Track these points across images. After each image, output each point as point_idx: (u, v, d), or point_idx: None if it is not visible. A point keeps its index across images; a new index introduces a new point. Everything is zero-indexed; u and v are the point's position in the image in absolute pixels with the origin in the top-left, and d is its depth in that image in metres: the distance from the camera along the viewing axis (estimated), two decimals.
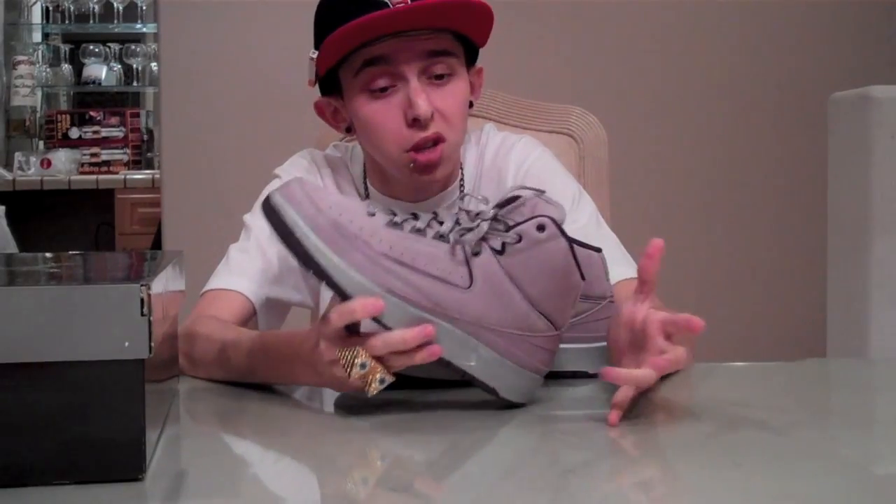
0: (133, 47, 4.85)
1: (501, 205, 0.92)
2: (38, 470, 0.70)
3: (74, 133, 4.67)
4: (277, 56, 2.48)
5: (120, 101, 5.02)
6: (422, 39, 1.18)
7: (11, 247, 3.08)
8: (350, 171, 1.34)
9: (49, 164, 4.33)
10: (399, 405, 0.94)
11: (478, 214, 0.90)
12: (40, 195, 4.26)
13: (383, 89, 1.19)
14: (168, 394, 0.92)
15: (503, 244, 0.88)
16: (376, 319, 0.88)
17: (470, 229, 0.89)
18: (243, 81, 2.56)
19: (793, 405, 1.03)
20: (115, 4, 4.71)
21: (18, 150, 4.55)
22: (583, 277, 0.92)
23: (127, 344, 0.70)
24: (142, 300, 0.70)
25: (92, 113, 4.73)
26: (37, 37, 4.97)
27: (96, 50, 4.87)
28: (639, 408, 0.95)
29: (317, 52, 1.20)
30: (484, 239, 0.89)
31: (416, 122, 1.18)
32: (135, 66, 4.88)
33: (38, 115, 4.78)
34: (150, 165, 4.63)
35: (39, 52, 4.84)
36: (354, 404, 0.96)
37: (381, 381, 0.89)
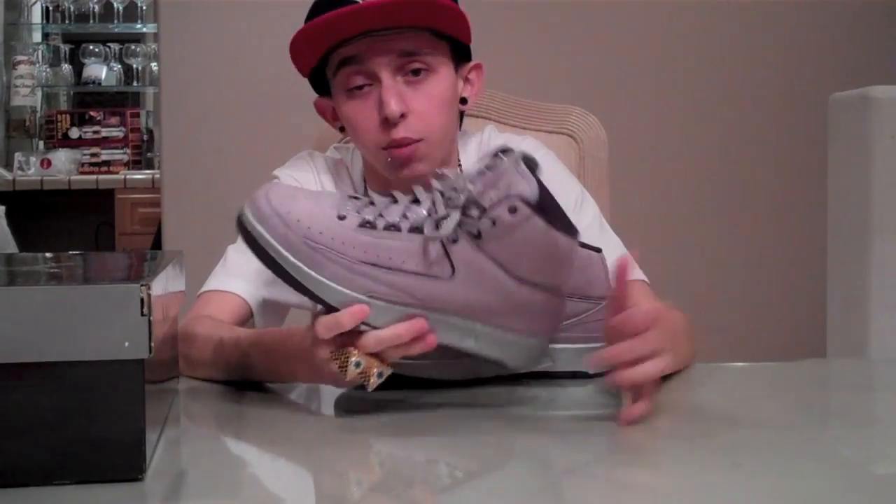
0: (133, 47, 4.85)
1: (482, 171, 0.89)
2: (38, 470, 0.70)
3: (74, 133, 4.67)
4: (277, 56, 2.46)
5: (120, 101, 5.02)
6: (394, 38, 1.19)
7: (11, 247, 3.08)
8: (350, 172, 1.34)
9: (49, 164, 4.33)
10: (398, 406, 0.94)
11: (450, 199, 0.88)
12: (40, 195, 4.26)
13: (360, 87, 1.21)
14: (168, 394, 0.92)
15: (479, 230, 0.87)
16: (366, 324, 0.87)
17: (441, 219, 0.87)
18: (243, 81, 2.56)
19: (793, 405, 1.03)
20: (115, 4, 4.71)
21: (18, 150, 4.55)
22: (573, 234, 0.90)
23: (127, 344, 0.70)
24: (142, 300, 0.70)
25: (92, 113, 4.73)
26: (37, 37, 4.97)
27: (96, 50, 4.87)
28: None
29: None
30: (459, 225, 0.87)
31: (387, 121, 1.19)
32: (135, 66, 4.88)
33: (38, 115, 4.78)
34: (150, 165, 4.63)
35: (39, 52, 4.84)
36: (354, 405, 0.96)
37: (380, 374, 0.89)
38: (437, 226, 0.87)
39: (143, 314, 0.70)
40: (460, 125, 1.33)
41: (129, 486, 0.71)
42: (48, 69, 4.86)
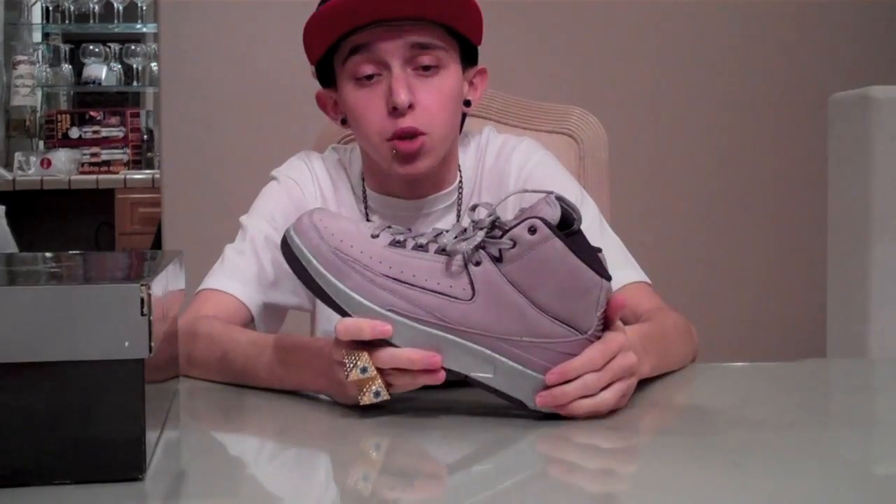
0: (133, 47, 4.85)
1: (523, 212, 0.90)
2: (38, 470, 0.70)
3: (74, 133, 4.67)
4: (277, 56, 2.48)
5: (120, 101, 5.02)
6: (407, 30, 1.20)
7: (11, 247, 3.08)
8: (348, 172, 1.34)
9: (49, 164, 4.33)
10: (398, 405, 0.94)
11: (477, 223, 0.89)
12: (40, 195, 4.26)
13: (369, 77, 1.21)
14: (168, 394, 0.92)
15: (500, 251, 0.87)
16: (384, 339, 0.88)
17: (465, 239, 0.88)
18: (243, 81, 2.56)
19: (793, 405, 1.03)
20: (115, 4, 4.72)
21: (18, 150, 4.55)
22: (604, 276, 0.89)
23: (127, 344, 0.70)
24: (142, 300, 0.70)
25: (92, 113, 4.73)
26: (37, 37, 4.97)
27: (96, 50, 4.87)
28: (639, 408, 0.95)
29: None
30: (482, 247, 0.88)
31: (395, 111, 1.19)
32: (135, 66, 4.88)
33: (38, 114, 4.78)
34: (150, 165, 4.63)
35: (39, 52, 4.85)
36: (352, 402, 0.96)
37: (377, 393, 0.89)
38: (461, 243, 0.88)
39: (143, 314, 0.70)
40: (461, 128, 1.33)
41: (129, 486, 0.71)
42: (48, 69, 4.87)
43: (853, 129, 1.78)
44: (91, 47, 4.87)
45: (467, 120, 1.35)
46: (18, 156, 4.41)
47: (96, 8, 4.74)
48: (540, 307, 0.87)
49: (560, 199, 0.89)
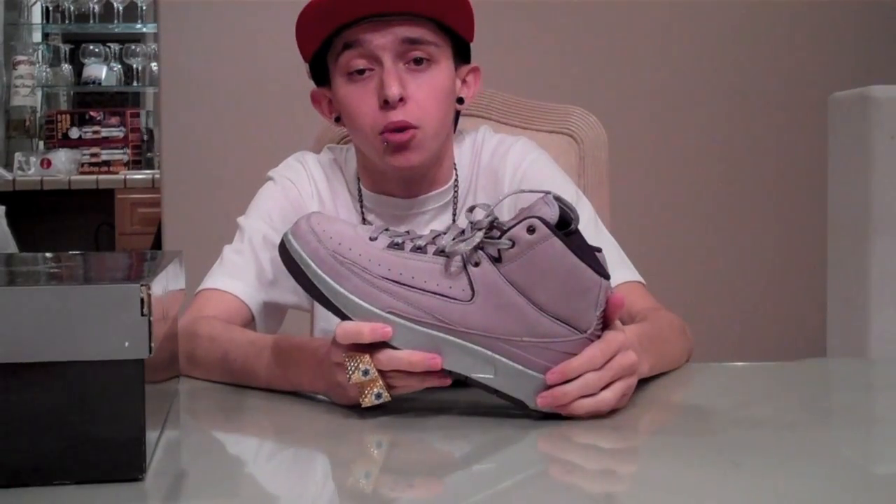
0: (133, 47, 4.85)
1: (520, 212, 0.90)
2: (38, 470, 0.70)
3: (74, 133, 4.67)
4: (277, 56, 2.48)
5: (120, 101, 5.02)
6: (398, 24, 1.21)
7: (11, 247, 3.09)
8: (343, 172, 1.35)
9: (49, 164, 4.33)
10: (400, 405, 0.94)
11: (475, 224, 0.89)
12: (40, 195, 4.26)
13: (360, 72, 1.22)
14: (168, 394, 0.92)
15: (499, 251, 0.87)
16: (384, 342, 0.88)
17: (464, 240, 0.88)
18: (243, 81, 2.56)
19: (793, 405, 1.03)
20: (115, 4, 4.72)
21: (18, 150, 4.55)
22: (603, 275, 0.89)
23: (127, 344, 0.70)
24: (142, 300, 0.70)
25: (92, 113, 4.73)
26: (37, 37, 4.97)
27: (96, 50, 4.87)
28: (639, 408, 0.95)
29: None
30: (481, 248, 0.88)
31: (386, 105, 1.20)
32: (135, 66, 4.88)
33: (38, 115, 4.78)
34: (150, 165, 4.63)
35: (39, 52, 4.85)
36: (352, 404, 0.96)
37: (378, 395, 0.89)
38: (460, 244, 0.88)
39: (143, 314, 0.70)
40: (455, 125, 1.34)
41: (129, 486, 0.71)
42: (48, 69, 4.87)
43: (853, 129, 1.78)
44: (91, 47, 4.87)
45: (466, 119, 1.35)
46: (18, 156, 4.41)
47: (96, 8, 4.74)
48: (540, 307, 0.87)
49: (558, 198, 0.89)
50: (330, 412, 0.94)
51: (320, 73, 1.29)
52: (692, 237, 2.70)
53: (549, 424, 0.89)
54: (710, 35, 2.70)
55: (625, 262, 1.28)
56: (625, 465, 0.85)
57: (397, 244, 0.90)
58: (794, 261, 2.71)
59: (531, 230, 0.86)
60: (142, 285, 0.70)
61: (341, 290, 0.89)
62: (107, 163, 4.64)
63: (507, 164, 1.31)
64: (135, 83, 4.95)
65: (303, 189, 1.32)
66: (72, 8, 4.82)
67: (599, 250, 0.93)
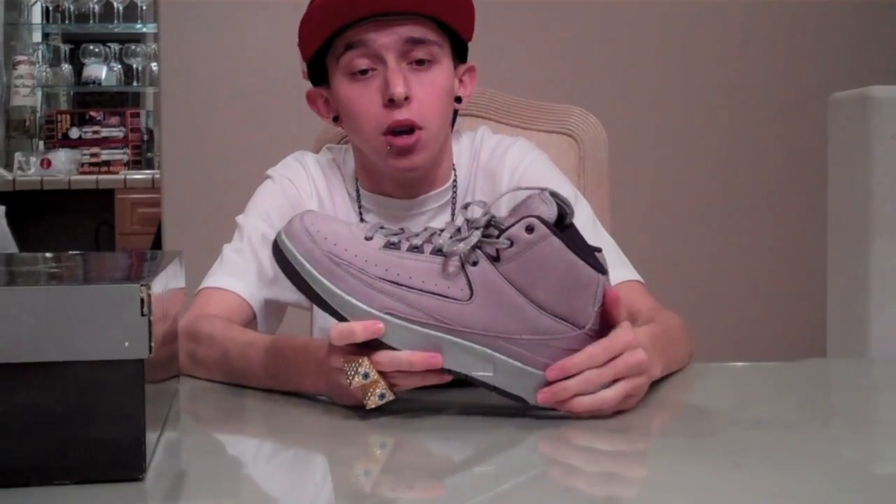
0: (133, 47, 4.85)
1: (515, 207, 0.90)
2: (38, 470, 0.70)
3: (74, 133, 4.67)
4: (277, 56, 2.48)
5: (120, 101, 5.02)
6: (402, 24, 1.21)
7: (11, 247, 3.09)
8: (342, 172, 1.35)
9: (49, 164, 4.33)
10: (398, 405, 0.94)
11: (472, 222, 0.89)
12: (40, 195, 4.26)
13: (363, 72, 1.22)
14: (168, 394, 0.92)
15: (497, 251, 0.87)
16: (381, 342, 0.88)
17: (462, 239, 0.88)
18: (243, 81, 2.56)
19: (793, 405, 1.03)
20: (115, 4, 4.71)
21: (18, 150, 4.55)
22: (601, 270, 0.89)
23: (127, 344, 0.70)
24: (142, 300, 0.70)
25: (92, 113, 4.73)
26: (37, 37, 4.97)
27: (96, 50, 4.87)
28: (638, 408, 0.95)
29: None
30: (479, 247, 0.87)
31: (391, 103, 1.20)
32: (135, 66, 4.88)
33: (38, 115, 4.78)
34: (150, 165, 4.63)
35: (39, 52, 4.84)
36: (356, 404, 0.96)
37: (382, 395, 0.89)
38: (458, 244, 0.87)
39: (143, 314, 0.70)
40: (453, 124, 1.34)
41: (129, 486, 0.71)
42: (48, 69, 4.86)
43: (853, 129, 1.78)
44: (91, 47, 4.86)
45: (466, 121, 1.35)
46: (18, 156, 4.41)
47: (96, 8, 4.74)
48: (539, 305, 0.87)
49: (554, 194, 0.89)
50: (330, 412, 0.94)
51: (318, 72, 1.28)
52: (692, 237, 2.70)
53: (550, 426, 0.89)
54: (710, 35, 2.70)
55: (623, 261, 1.28)
56: (625, 465, 0.85)
57: (393, 244, 0.90)
58: (794, 261, 2.70)
59: (530, 229, 0.86)
60: (142, 285, 0.70)
61: (338, 291, 0.89)
62: (107, 163, 4.63)
63: (505, 165, 1.32)
64: (135, 83, 4.94)
65: (301, 188, 1.32)
66: (72, 8, 4.81)
67: (599, 250, 0.93)
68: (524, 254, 0.86)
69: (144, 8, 4.81)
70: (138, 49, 4.85)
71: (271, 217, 1.28)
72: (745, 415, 0.96)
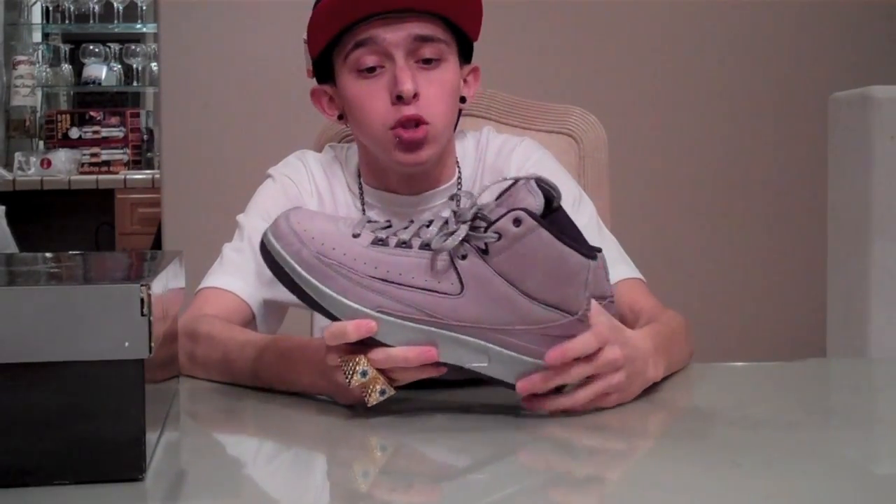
0: (133, 47, 4.85)
1: (500, 195, 0.90)
2: (38, 470, 0.70)
3: (74, 133, 4.67)
4: (277, 56, 2.48)
5: (120, 101, 5.02)
6: (410, 22, 1.21)
7: (11, 247, 3.08)
8: (344, 170, 1.35)
9: (49, 164, 4.33)
10: (398, 405, 0.94)
11: (459, 215, 0.89)
12: (40, 195, 4.26)
13: (371, 69, 1.22)
14: (168, 394, 0.92)
15: (486, 244, 0.87)
16: (376, 339, 0.88)
17: (450, 234, 0.88)
18: (243, 81, 2.56)
19: (793, 405, 1.03)
20: (115, 4, 4.71)
21: (18, 150, 4.55)
22: (590, 256, 0.89)
23: (127, 344, 0.70)
24: (142, 300, 0.70)
25: (92, 113, 4.73)
26: (37, 37, 4.97)
27: (96, 50, 4.87)
28: (638, 408, 0.95)
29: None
30: (467, 240, 0.87)
31: (399, 100, 1.20)
32: (135, 66, 4.88)
33: (38, 115, 4.77)
34: (150, 165, 4.63)
35: (39, 52, 4.84)
36: (356, 404, 0.96)
37: (382, 392, 0.89)
38: (449, 236, 0.87)
39: (143, 314, 0.70)
40: (456, 125, 1.34)
41: (129, 486, 0.71)
42: (48, 69, 4.86)
43: (853, 129, 1.78)
44: (91, 47, 4.86)
45: (467, 121, 1.36)
46: (18, 156, 4.41)
47: (96, 8, 4.74)
48: (529, 295, 0.87)
49: (540, 180, 0.89)
50: (329, 413, 0.94)
51: (323, 70, 1.29)
52: (692, 237, 2.70)
53: (550, 426, 0.89)
54: (710, 35, 2.70)
55: (625, 259, 1.28)
56: (625, 465, 0.85)
57: (381, 240, 0.89)
58: (794, 261, 2.70)
59: (517, 222, 0.86)
60: (142, 285, 0.70)
61: (328, 291, 0.88)
62: (107, 163, 4.63)
63: (511, 164, 1.32)
64: (135, 83, 4.94)
65: (302, 187, 1.32)
66: (72, 8, 4.81)
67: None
68: (513, 246, 0.86)
69: (144, 8, 4.81)
70: (138, 49, 4.85)
71: (271, 216, 1.27)
72: (745, 415, 0.96)
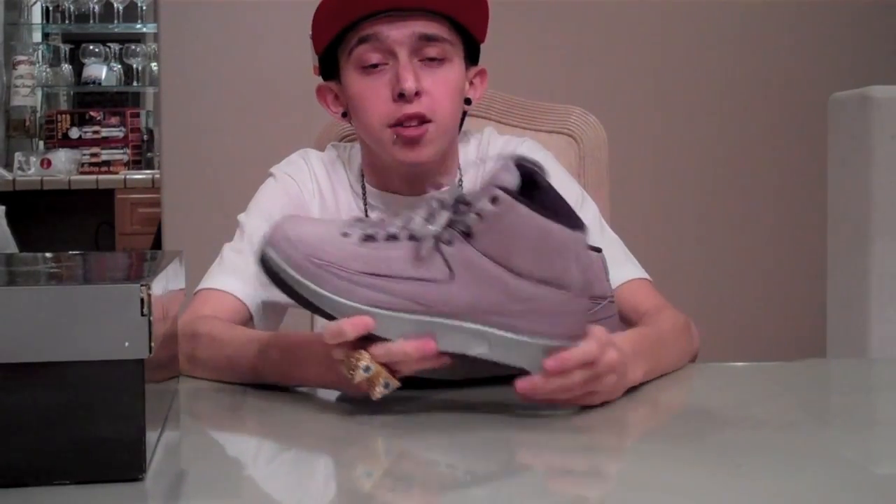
0: (133, 47, 4.85)
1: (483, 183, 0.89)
2: (38, 470, 0.70)
3: (74, 133, 4.67)
4: (277, 56, 2.48)
5: (120, 101, 5.02)
6: (415, 20, 1.21)
7: (11, 247, 3.08)
8: (346, 170, 1.34)
9: (49, 164, 4.33)
10: (398, 406, 0.94)
11: (441, 203, 0.89)
12: (40, 195, 4.26)
13: (374, 66, 1.22)
14: (168, 394, 0.92)
15: (468, 226, 0.87)
16: (375, 335, 0.88)
17: (432, 220, 0.88)
18: (243, 81, 2.56)
19: (793, 405, 1.03)
20: (115, 4, 4.71)
21: (18, 150, 4.55)
22: (577, 228, 0.88)
23: (127, 344, 0.70)
24: (142, 300, 0.70)
25: (92, 113, 4.73)
26: (37, 37, 4.97)
27: (96, 50, 4.87)
28: (638, 408, 0.95)
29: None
30: (451, 226, 0.87)
31: (401, 97, 1.20)
32: (135, 66, 4.88)
33: (38, 115, 4.77)
34: (150, 165, 4.63)
35: (39, 52, 4.84)
36: (354, 405, 0.96)
37: (386, 385, 0.89)
38: (429, 227, 0.87)
39: (143, 314, 0.70)
40: (461, 125, 1.34)
41: (129, 486, 0.71)
42: (48, 69, 4.86)
43: (853, 129, 1.78)
44: (91, 47, 4.86)
45: (467, 121, 1.35)
46: (18, 156, 4.41)
47: (96, 8, 4.74)
48: (518, 273, 0.87)
49: (521, 159, 0.89)
50: (330, 413, 0.94)
51: (329, 67, 1.29)
52: (692, 237, 2.70)
53: (550, 425, 0.89)
54: (710, 35, 2.70)
55: (630, 259, 1.28)
56: (624, 465, 0.85)
57: (371, 236, 0.90)
58: (793, 261, 2.71)
59: (494, 200, 0.86)
60: (142, 285, 0.70)
61: (322, 291, 0.89)
62: (107, 163, 4.63)
63: None
64: (135, 83, 4.94)
65: (304, 186, 1.32)
66: (72, 8, 4.81)
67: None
68: (494, 226, 0.86)
69: (144, 8, 4.81)
70: (138, 49, 4.85)
71: (273, 216, 1.27)
72: (745, 415, 0.96)
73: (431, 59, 1.23)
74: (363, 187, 1.33)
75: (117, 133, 4.69)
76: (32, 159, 4.37)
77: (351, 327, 0.88)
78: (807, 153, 2.64)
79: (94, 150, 4.63)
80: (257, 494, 0.76)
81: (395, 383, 0.90)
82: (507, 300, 0.87)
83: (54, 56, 4.91)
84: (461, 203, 0.88)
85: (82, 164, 4.55)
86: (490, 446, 0.85)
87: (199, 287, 1.25)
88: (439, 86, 1.23)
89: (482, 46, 1.31)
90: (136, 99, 5.12)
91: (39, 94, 4.83)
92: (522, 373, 0.89)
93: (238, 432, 0.97)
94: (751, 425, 0.92)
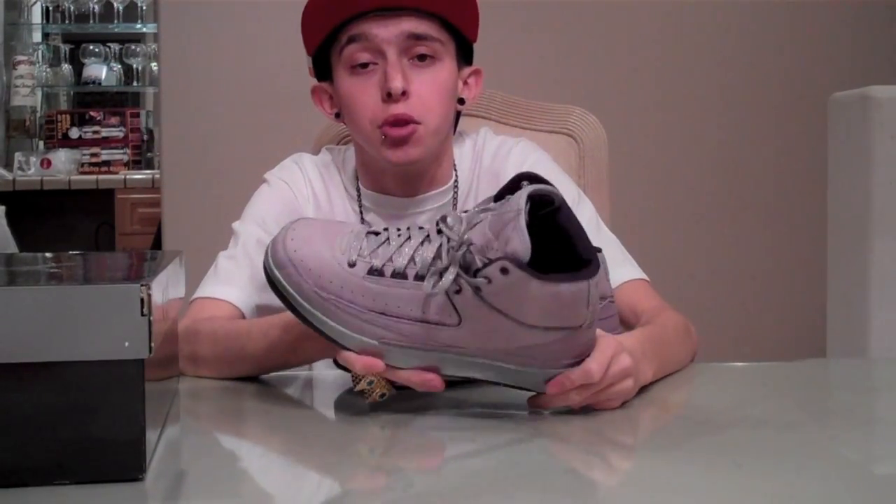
0: (133, 47, 4.85)
1: (485, 210, 0.88)
2: (38, 470, 0.70)
3: (74, 133, 4.67)
4: (277, 56, 2.48)
5: (120, 101, 5.02)
6: (404, 20, 1.21)
7: (11, 247, 3.08)
8: (341, 172, 1.34)
9: (49, 164, 4.33)
10: (397, 405, 0.94)
11: (451, 248, 0.86)
12: (40, 195, 4.26)
13: (364, 66, 1.23)
14: (168, 394, 0.92)
15: (478, 287, 0.85)
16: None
17: (441, 272, 0.86)
18: (243, 81, 2.56)
19: (793, 405, 1.03)
20: (115, 4, 4.71)
21: (18, 150, 4.55)
22: (589, 276, 0.86)
23: (127, 344, 0.70)
24: (142, 300, 0.70)
25: (92, 113, 4.73)
26: (37, 37, 4.97)
27: (96, 50, 4.87)
28: (638, 407, 0.95)
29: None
30: (460, 275, 0.86)
31: (389, 97, 1.21)
32: (135, 66, 4.88)
33: (38, 115, 4.78)
34: (150, 165, 4.63)
35: (39, 52, 4.84)
36: (353, 405, 0.97)
37: (382, 395, 0.92)
38: (440, 276, 0.86)
39: (143, 314, 0.70)
40: (455, 126, 1.34)
41: (129, 486, 0.71)
42: (48, 69, 4.86)
43: (853, 129, 1.78)
44: (91, 47, 4.87)
45: (466, 120, 1.35)
46: (18, 156, 4.41)
47: (96, 8, 4.74)
48: (528, 324, 0.86)
49: (533, 179, 0.88)
50: (330, 413, 0.94)
51: (322, 67, 1.29)
52: (692, 237, 2.70)
53: (551, 425, 0.89)
54: (710, 35, 2.70)
55: (628, 260, 1.28)
56: (624, 465, 0.85)
57: (377, 270, 0.89)
58: (794, 261, 2.70)
59: (504, 271, 0.84)
60: (142, 285, 0.70)
61: (330, 322, 0.89)
62: (107, 163, 4.64)
63: (508, 166, 1.32)
64: (135, 83, 4.95)
65: (298, 191, 1.32)
66: (72, 8, 4.82)
67: (599, 250, 0.93)
68: (504, 292, 0.85)
69: (144, 8, 4.81)
70: (138, 49, 4.85)
71: (266, 222, 1.28)
72: (745, 415, 0.96)
73: (422, 59, 1.22)
74: (357, 190, 1.32)
75: (117, 133, 4.69)
76: (32, 159, 4.37)
77: (361, 366, 0.89)
78: (807, 153, 2.64)
79: (94, 150, 4.64)
80: (257, 494, 0.76)
81: (391, 393, 0.92)
82: (516, 343, 0.87)
83: (54, 56, 4.92)
84: (470, 251, 0.85)
85: (82, 164, 4.56)
86: (489, 445, 0.85)
87: (195, 296, 1.25)
88: (429, 86, 1.22)
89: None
90: (136, 99, 5.12)
91: (39, 94, 4.83)
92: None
93: (238, 432, 0.97)
94: (751, 425, 0.92)
